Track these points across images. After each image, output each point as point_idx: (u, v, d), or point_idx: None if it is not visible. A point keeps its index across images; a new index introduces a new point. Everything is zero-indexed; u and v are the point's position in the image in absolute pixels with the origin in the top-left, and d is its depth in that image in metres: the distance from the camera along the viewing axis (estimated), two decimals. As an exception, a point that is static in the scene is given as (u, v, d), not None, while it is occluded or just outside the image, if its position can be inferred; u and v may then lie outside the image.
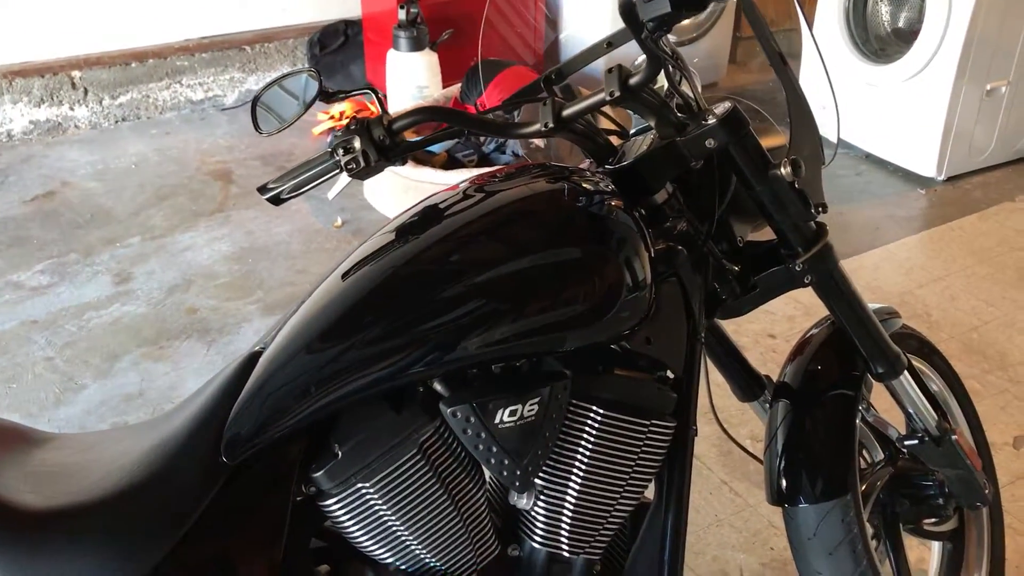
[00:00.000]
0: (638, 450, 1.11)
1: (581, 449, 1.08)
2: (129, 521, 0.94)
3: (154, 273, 2.97)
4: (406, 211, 1.11)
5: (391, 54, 3.71)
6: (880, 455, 1.44)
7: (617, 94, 1.01)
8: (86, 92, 3.91)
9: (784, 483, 1.27)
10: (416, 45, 3.65)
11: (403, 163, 1.09)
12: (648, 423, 1.10)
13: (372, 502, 1.02)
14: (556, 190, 1.10)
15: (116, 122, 4.03)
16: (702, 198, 1.16)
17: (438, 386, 1.03)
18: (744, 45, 5.18)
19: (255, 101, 1.08)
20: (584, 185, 1.11)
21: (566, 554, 1.11)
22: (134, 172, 3.65)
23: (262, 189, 1.09)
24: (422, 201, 1.12)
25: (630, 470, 1.11)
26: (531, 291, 1.01)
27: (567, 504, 1.10)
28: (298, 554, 1.02)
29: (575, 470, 1.09)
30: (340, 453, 0.99)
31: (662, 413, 1.12)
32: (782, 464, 1.27)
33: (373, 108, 1.06)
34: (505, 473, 1.04)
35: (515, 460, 1.03)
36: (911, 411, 1.40)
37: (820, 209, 1.17)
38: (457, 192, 1.11)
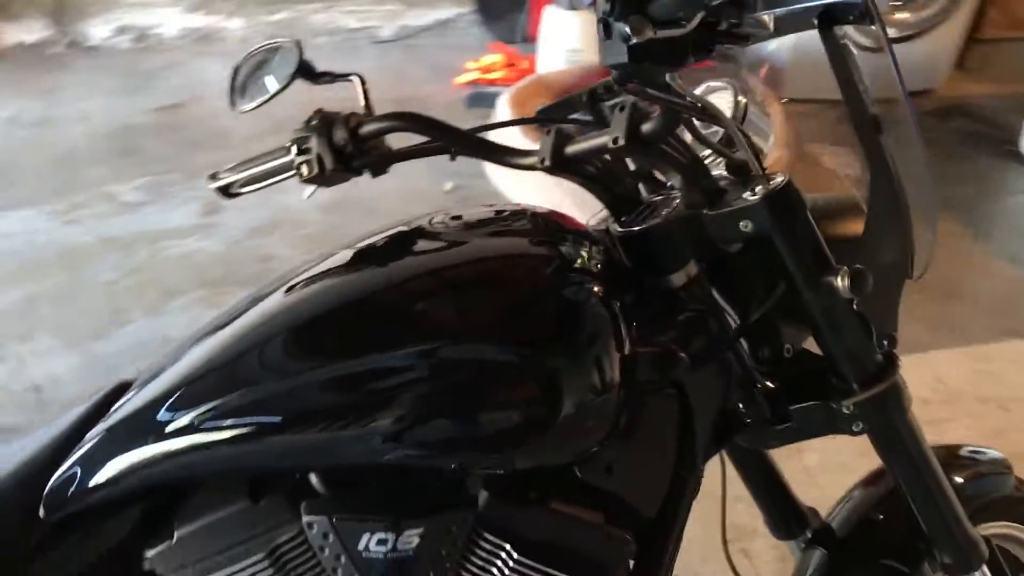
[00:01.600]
0: None
1: None
2: None
3: (245, 210, 2.83)
4: (375, 232, 0.90)
5: (548, 10, 3.38)
6: None
7: (622, 142, 0.75)
8: (240, 4, 3.83)
9: None
10: (575, 3, 3.27)
11: (374, 175, 0.85)
12: None
13: None
14: (526, 258, 0.84)
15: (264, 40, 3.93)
16: (743, 285, 0.88)
17: (314, 480, 0.79)
18: (981, 50, 4.36)
19: (235, 71, 0.92)
20: (567, 256, 0.83)
21: None
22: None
23: (213, 176, 0.90)
24: (392, 227, 0.90)
25: None
26: (459, 385, 0.76)
27: None
28: None
29: None
30: (176, 537, 0.79)
31: (610, 574, 0.82)
32: None
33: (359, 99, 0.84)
34: None
35: None
36: None
37: (887, 343, 0.88)
38: (422, 228, 0.88)
